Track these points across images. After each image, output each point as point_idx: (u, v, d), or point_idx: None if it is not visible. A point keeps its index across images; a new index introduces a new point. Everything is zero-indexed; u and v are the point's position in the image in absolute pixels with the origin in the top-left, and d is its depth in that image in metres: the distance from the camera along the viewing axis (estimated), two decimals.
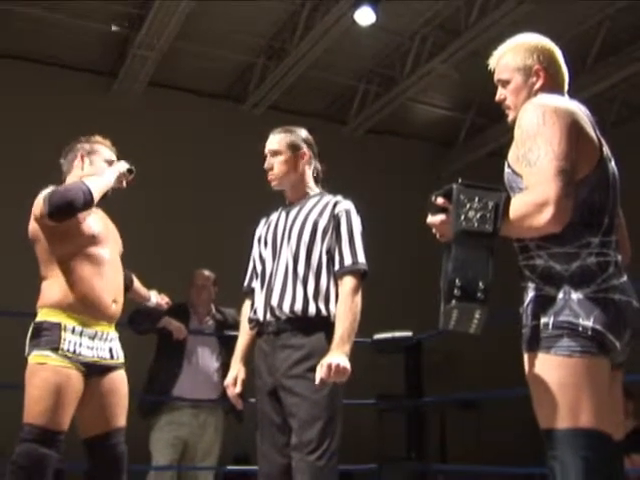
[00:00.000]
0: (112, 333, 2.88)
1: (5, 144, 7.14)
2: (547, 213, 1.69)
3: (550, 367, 1.75)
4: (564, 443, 1.71)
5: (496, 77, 2.08)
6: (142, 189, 4.82)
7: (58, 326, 2.69)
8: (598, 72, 7.44)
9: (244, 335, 2.77)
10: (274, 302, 2.60)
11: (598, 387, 1.73)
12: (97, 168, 2.94)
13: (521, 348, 1.85)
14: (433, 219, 1.83)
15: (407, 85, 8.00)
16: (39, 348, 2.67)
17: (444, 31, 7.33)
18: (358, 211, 2.73)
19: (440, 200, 1.80)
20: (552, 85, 1.98)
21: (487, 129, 8.81)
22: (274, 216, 2.82)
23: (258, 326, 2.68)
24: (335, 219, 2.66)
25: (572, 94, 2.02)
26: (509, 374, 3.42)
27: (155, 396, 4.15)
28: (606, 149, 1.90)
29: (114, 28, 7.04)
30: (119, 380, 2.86)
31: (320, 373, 2.39)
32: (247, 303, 2.81)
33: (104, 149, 3.02)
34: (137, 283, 3.31)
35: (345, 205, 2.71)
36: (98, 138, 3.04)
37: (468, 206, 1.73)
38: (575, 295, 1.76)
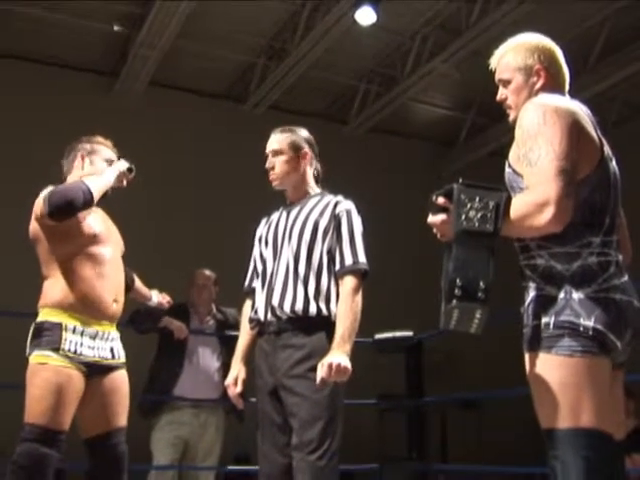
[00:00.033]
0: (113, 333, 2.88)
1: (6, 144, 7.14)
2: (548, 213, 1.69)
3: (551, 367, 1.75)
4: (565, 443, 1.71)
5: (497, 77, 2.07)
6: (143, 189, 4.84)
7: (59, 326, 2.69)
8: (599, 72, 7.44)
9: (245, 335, 2.77)
10: (275, 302, 2.60)
11: (599, 387, 1.73)
12: (97, 168, 2.94)
13: (522, 348, 1.85)
14: (434, 219, 1.83)
15: (408, 85, 8.00)
16: (40, 348, 2.67)
17: (445, 31, 7.32)
18: (359, 211, 2.73)
19: (441, 200, 1.80)
20: (553, 85, 1.98)
21: (488, 129, 8.80)
22: (275, 216, 2.82)
23: (259, 326, 2.68)
24: (336, 219, 2.66)
25: (573, 94, 2.02)
26: (510, 374, 3.42)
27: (156, 396, 4.15)
28: (607, 149, 1.89)
29: (116, 28, 7.03)
30: (120, 380, 2.86)
31: (321, 372, 2.39)
32: (248, 303, 2.81)
33: (104, 149, 3.02)
34: (138, 283, 3.32)
35: (346, 205, 2.71)
36: (99, 138, 3.04)
37: (469, 206, 1.73)
38: (576, 295, 1.76)
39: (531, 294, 1.85)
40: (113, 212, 3.10)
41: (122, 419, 2.84)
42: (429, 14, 7.24)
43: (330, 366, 2.38)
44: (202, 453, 4.19)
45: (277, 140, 2.79)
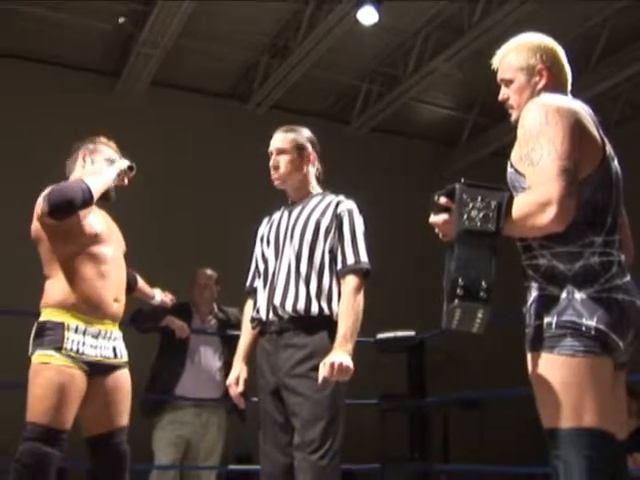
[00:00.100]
0: (116, 332, 2.88)
1: (7, 143, 7.14)
2: (550, 212, 1.69)
3: (553, 367, 1.75)
4: (567, 443, 1.70)
5: (499, 76, 2.07)
6: (145, 188, 4.84)
7: (61, 325, 2.70)
8: (601, 71, 7.43)
9: (246, 334, 2.77)
10: (277, 301, 2.60)
11: (601, 387, 1.73)
12: (98, 167, 2.94)
13: (524, 348, 1.85)
14: (436, 218, 1.82)
15: (410, 84, 8.00)
16: (42, 348, 2.67)
17: (447, 30, 7.32)
18: (361, 210, 2.73)
19: (443, 199, 1.80)
20: (555, 84, 1.98)
21: (490, 129, 8.80)
22: (277, 215, 2.82)
23: (260, 325, 2.68)
24: (337, 218, 2.66)
25: (575, 93, 2.02)
26: (512, 374, 3.41)
27: (158, 395, 4.16)
28: (609, 148, 1.89)
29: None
30: (123, 379, 2.86)
31: (323, 372, 2.39)
32: (249, 302, 2.81)
33: (107, 149, 3.02)
34: (141, 282, 3.32)
35: (347, 205, 2.71)
36: (103, 139, 3.04)
37: (471, 205, 1.73)
38: (578, 295, 1.76)
39: (533, 294, 1.85)
40: (115, 212, 3.10)
41: (124, 418, 2.84)
42: (431, 14, 7.24)
43: (332, 365, 2.38)
44: (204, 453, 4.19)
45: (281, 139, 2.79)
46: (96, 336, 2.77)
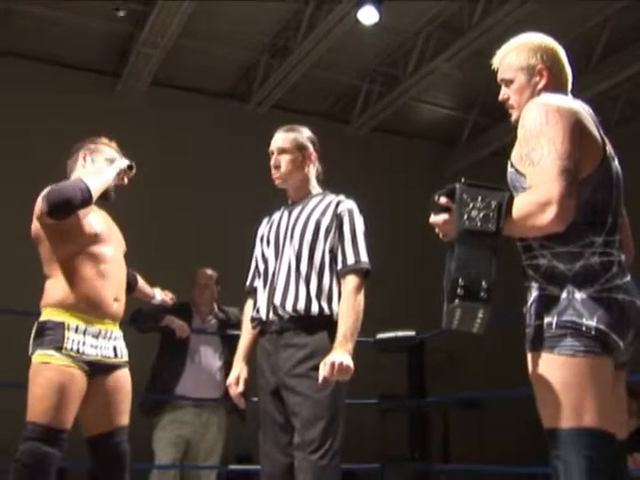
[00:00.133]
0: (116, 331, 2.88)
1: (7, 143, 7.14)
2: (550, 212, 1.69)
3: (553, 367, 1.75)
4: (568, 442, 1.70)
5: (499, 76, 2.07)
6: (145, 188, 4.84)
7: (62, 325, 2.69)
8: (602, 71, 7.43)
9: (246, 334, 2.77)
10: (277, 301, 2.60)
11: (602, 387, 1.73)
12: (98, 167, 2.94)
13: (524, 348, 1.85)
14: (436, 218, 1.82)
15: (410, 84, 8.01)
16: (43, 347, 2.67)
17: (447, 30, 7.32)
18: (361, 210, 2.73)
19: (443, 199, 1.79)
20: (555, 84, 1.98)
21: (490, 128, 8.80)
22: (277, 215, 2.82)
23: (261, 325, 2.68)
24: (338, 218, 2.66)
25: (576, 93, 2.02)
26: (512, 374, 3.41)
27: (158, 395, 4.16)
28: (609, 148, 1.89)
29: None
30: (123, 379, 2.86)
31: (323, 371, 2.39)
32: (249, 302, 2.81)
33: (108, 149, 3.02)
34: (141, 282, 3.32)
35: (347, 204, 2.71)
36: (104, 139, 3.04)
37: (471, 205, 1.73)
38: (579, 295, 1.76)
39: (533, 294, 1.85)
40: (115, 212, 3.10)
41: (124, 418, 2.84)
42: (431, 14, 7.25)
43: (332, 365, 2.38)
44: (204, 452, 4.19)
45: (282, 139, 2.78)
46: (96, 336, 2.77)
